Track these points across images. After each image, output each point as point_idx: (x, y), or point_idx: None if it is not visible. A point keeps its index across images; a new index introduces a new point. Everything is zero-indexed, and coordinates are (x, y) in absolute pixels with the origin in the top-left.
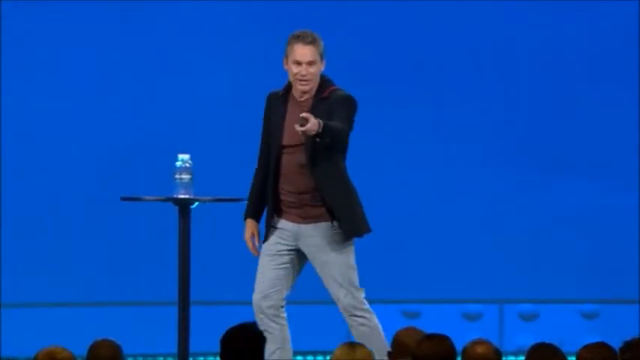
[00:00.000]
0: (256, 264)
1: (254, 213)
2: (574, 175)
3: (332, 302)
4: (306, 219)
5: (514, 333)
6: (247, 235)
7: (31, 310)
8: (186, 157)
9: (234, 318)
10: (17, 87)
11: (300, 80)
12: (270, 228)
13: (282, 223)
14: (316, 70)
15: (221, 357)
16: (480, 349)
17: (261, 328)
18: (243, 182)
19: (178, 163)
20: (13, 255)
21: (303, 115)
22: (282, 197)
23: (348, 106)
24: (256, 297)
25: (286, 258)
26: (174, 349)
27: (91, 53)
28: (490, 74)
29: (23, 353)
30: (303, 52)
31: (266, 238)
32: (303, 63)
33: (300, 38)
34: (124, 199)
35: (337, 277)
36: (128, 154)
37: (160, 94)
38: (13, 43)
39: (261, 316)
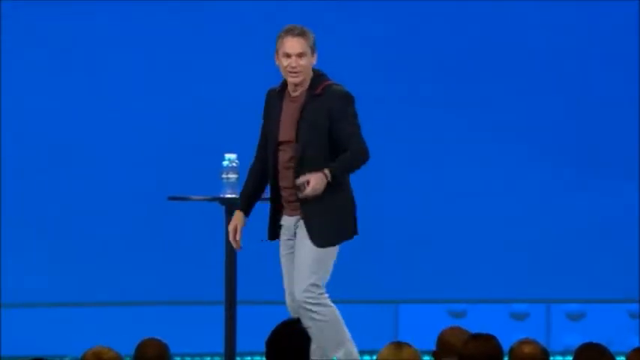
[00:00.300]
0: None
1: (244, 205)
2: (621, 174)
3: (374, 302)
4: (297, 211)
5: (561, 332)
6: (231, 226)
7: (79, 310)
8: (233, 156)
9: (280, 317)
10: (61, 84)
11: (291, 72)
12: (276, 226)
13: (284, 219)
14: (307, 62)
15: (267, 357)
16: (527, 349)
17: None
18: None
19: (225, 163)
20: (53, 253)
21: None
22: (282, 193)
23: (349, 108)
24: (287, 300)
25: (293, 255)
26: (221, 349)
27: (142, 53)
28: (513, 72)
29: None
30: (292, 44)
31: (274, 237)
32: (293, 55)
33: (289, 31)
34: (171, 198)
35: (300, 273)
36: (176, 153)
37: (207, 93)
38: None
39: (297, 316)
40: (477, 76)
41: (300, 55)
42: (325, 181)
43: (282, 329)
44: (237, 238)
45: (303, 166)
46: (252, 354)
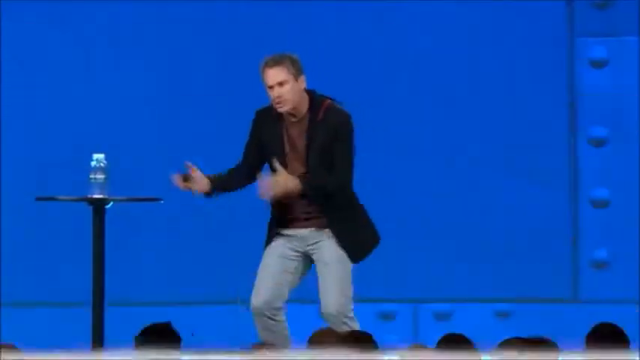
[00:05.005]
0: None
1: (215, 176)
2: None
3: None
4: (308, 223)
5: (428, 332)
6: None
7: None
8: (100, 156)
9: (148, 319)
10: None
11: (277, 103)
12: (275, 235)
13: (294, 231)
14: (290, 88)
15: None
16: None
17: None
18: (158, 182)
19: (93, 163)
20: None
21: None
22: (291, 208)
23: (349, 135)
24: (256, 300)
25: (295, 263)
26: (88, 351)
27: (8, 52)
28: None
29: None
30: (269, 75)
31: (270, 242)
32: (274, 86)
33: (265, 64)
34: (39, 199)
35: (335, 287)
36: (44, 153)
37: (75, 92)
38: None
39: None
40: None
41: (281, 84)
42: (292, 187)
43: (151, 330)
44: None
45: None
46: None
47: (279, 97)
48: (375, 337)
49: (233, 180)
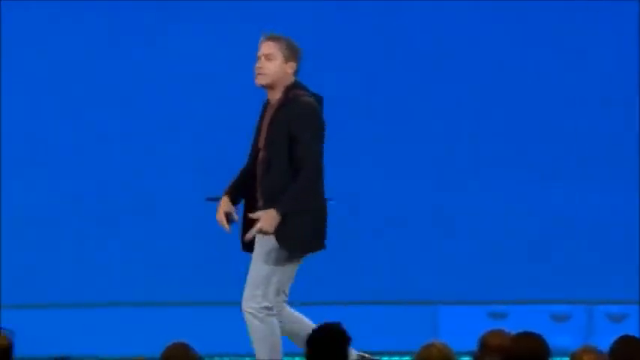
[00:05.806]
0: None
1: (230, 189)
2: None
3: (414, 303)
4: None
5: (603, 334)
6: (220, 214)
7: (116, 310)
8: None
9: (320, 317)
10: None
11: (257, 74)
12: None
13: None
14: (274, 66)
15: (307, 357)
16: (587, 358)
17: None
18: (327, 182)
19: None
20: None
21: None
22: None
23: (308, 122)
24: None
25: None
26: None
27: (175, 55)
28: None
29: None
30: (260, 46)
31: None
32: (261, 56)
33: (263, 35)
34: (209, 199)
35: (251, 272)
36: (214, 154)
37: (242, 94)
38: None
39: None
40: (472, 78)
41: (268, 58)
42: (276, 220)
43: (322, 330)
44: (226, 223)
45: (269, 173)
46: (292, 355)
47: (259, 67)
48: (546, 339)
49: (242, 184)
